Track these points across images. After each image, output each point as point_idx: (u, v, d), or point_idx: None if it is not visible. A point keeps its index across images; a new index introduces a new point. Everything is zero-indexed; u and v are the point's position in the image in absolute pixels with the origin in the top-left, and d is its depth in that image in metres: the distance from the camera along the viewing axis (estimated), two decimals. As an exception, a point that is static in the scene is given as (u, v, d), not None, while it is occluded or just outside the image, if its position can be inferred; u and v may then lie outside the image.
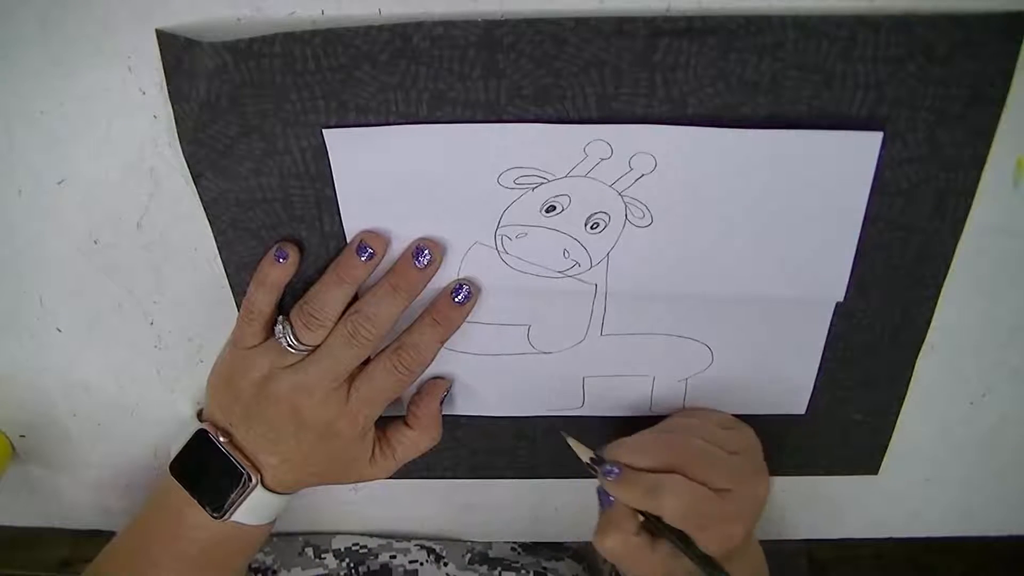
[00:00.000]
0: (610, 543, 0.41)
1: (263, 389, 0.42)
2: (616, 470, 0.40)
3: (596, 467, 0.41)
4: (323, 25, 0.35)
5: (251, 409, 0.42)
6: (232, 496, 0.43)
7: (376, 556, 0.55)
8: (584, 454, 0.42)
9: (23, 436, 0.52)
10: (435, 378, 0.46)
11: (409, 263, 0.40)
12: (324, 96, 0.36)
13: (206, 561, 0.44)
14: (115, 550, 0.46)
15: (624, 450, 0.41)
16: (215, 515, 0.43)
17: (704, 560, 0.39)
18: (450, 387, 0.46)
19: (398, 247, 0.41)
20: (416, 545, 0.56)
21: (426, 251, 0.40)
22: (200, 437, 0.43)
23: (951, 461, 0.51)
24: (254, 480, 0.43)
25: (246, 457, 0.43)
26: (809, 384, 0.46)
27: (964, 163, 0.38)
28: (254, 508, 0.43)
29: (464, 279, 0.42)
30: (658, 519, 0.40)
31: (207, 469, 0.43)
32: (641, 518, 0.40)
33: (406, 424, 0.46)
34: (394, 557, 0.55)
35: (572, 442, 0.43)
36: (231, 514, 0.43)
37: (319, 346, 0.41)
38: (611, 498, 0.41)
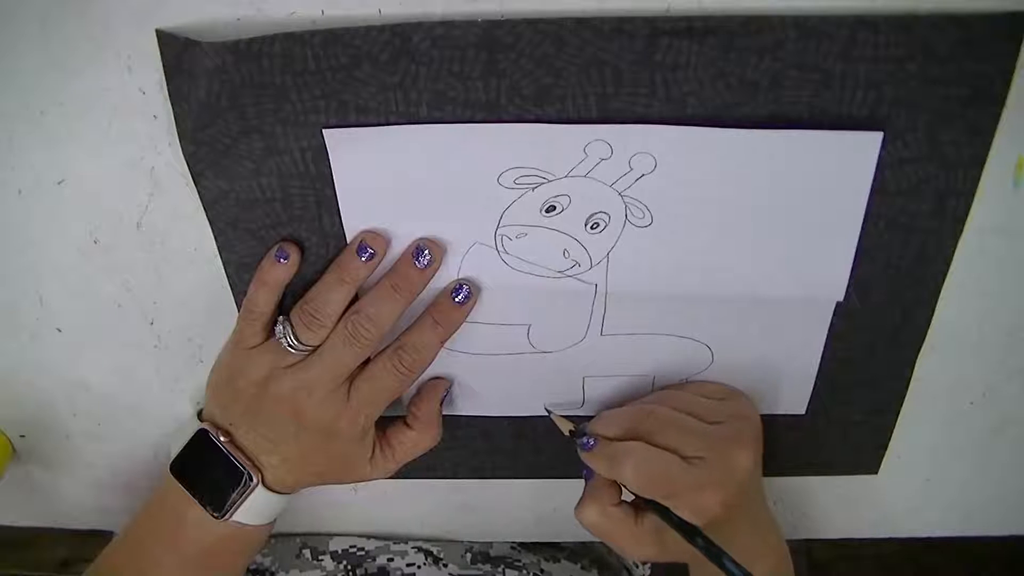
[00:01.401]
0: (589, 515, 0.42)
1: (264, 389, 0.42)
2: (591, 441, 0.41)
3: (574, 440, 0.42)
4: (323, 25, 0.35)
5: (252, 409, 0.42)
6: (232, 496, 0.43)
7: (374, 559, 0.55)
8: (564, 427, 0.44)
9: (23, 436, 0.52)
10: (435, 378, 0.46)
11: (409, 263, 0.40)
12: (324, 96, 0.36)
13: (207, 561, 0.44)
14: (116, 550, 0.46)
15: (597, 421, 0.43)
16: (215, 515, 0.43)
17: (684, 527, 0.39)
18: (450, 387, 0.46)
19: (398, 247, 0.41)
20: (414, 548, 0.56)
21: (426, 251, 0.40)
22: (200, 437, 0.43)
23: (951, 461, 0.51)
24: (255, 480, 0.43)
25: (247, 457, 0.43)
26: (809, 384, 0.46)
27: (964, 163, 0.38)
28: (254, 508, 0.43)
29: (464, 279, 0.42)
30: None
31: (208, 469, 0.43)
32: (624, 491, 0.41)
33: (406, 425, 0.46)
34: (391, 560, 0.55)
35: (555, 417, 0.44)
36: (231, 514, 0.43)
37: (320, 346, 0.41)
38: (587, 472, 0.42)
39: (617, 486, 0.42)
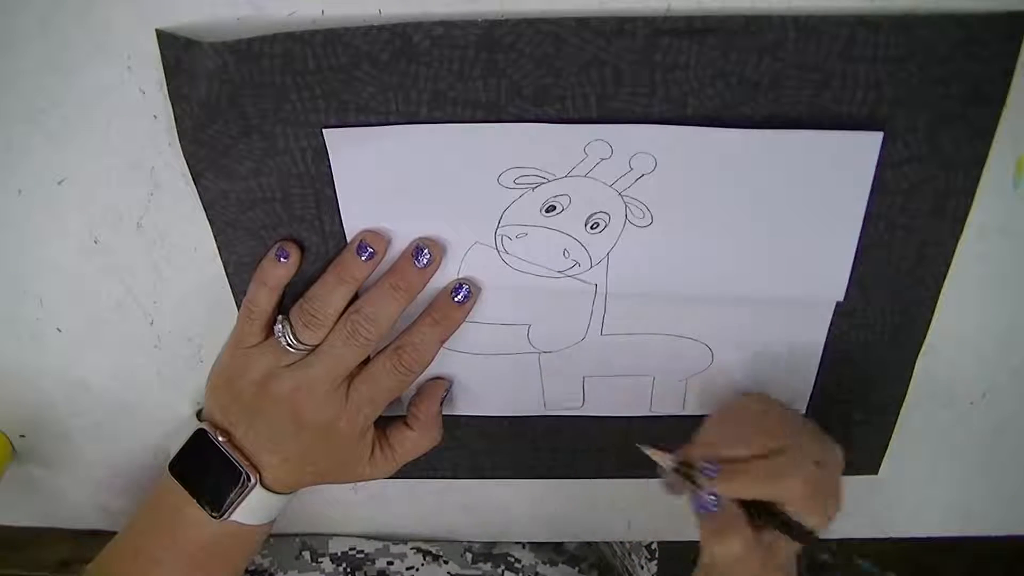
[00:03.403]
0: (735, 547, 0.37)
1: (263, 388, 0.42)
2: (716, 467, 0.38)
3: (690, 470, 0.38)
4: (323, 25, 0.35)
5: (251, 408, 0.42)
6: (231, 496, 0.43)
7: (373, 562, 0.55)
8: (668, 461, 0.40)
9: (23, 436, 0.52)
10: (435, 378, 0.46)
11: (409, 263, 0.40)
12: (324, 96, 0.36)
13: (206, 559, 0.44)
14: (115, 549, 0.46)
15: (716, 445, 0.39)
16: (214, 515, 0.43)
17: (810, 537, 0.37)
18: (450, 387, 0.46)
19: (398, 247, 0.41)
20: (412, 549, 0.56)
21: (426, 251, 0.40)
22: (199, 436, 0.43)
23: (951, 461, 0.51)
24: (253, 480, 0.43)
25: (245, 457, 0.43)
26: (809, 384, 0.46)
27: (964, 163, 0.38)
28: (253, 508, 0.43)
29: (464, 279, 0.42)
30: (766, 507, 0.37)
31: (206, 468, 0.43)
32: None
33: (406, 425, 0.46)
34: (391, 563, 0.55)
35: (651, 451, 0.40)
36: (230, 514, 0.43)
37: (319, 346, 0.41)
38: (714, 502, 0.38)
39: (744, 513, 0.38)
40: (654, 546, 0.68)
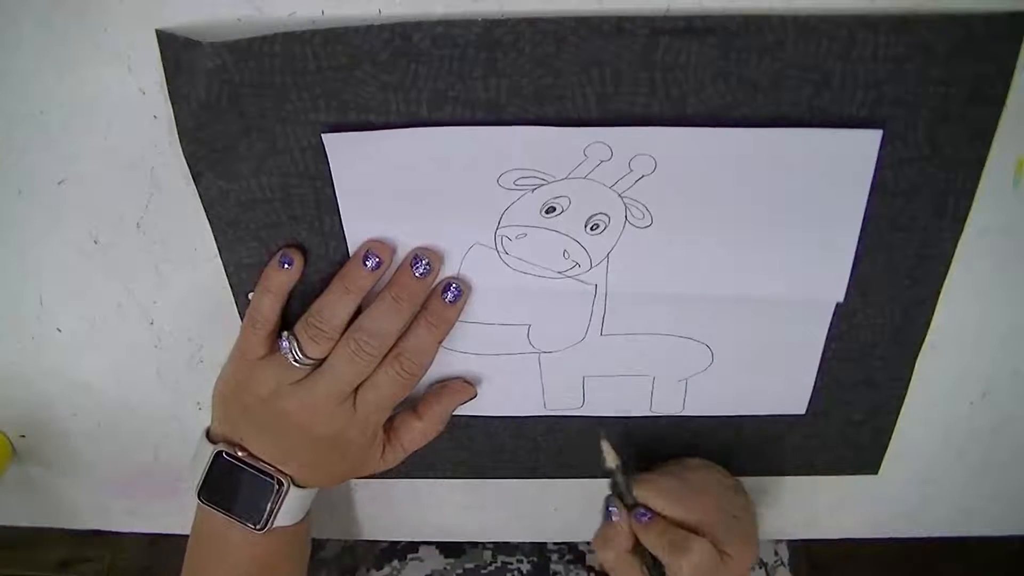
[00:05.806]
0: (607, 556, 0.44)
1: (272, 406, 0.41)
2: (647, 515, 0.43)
3: (620, 489, 0.44)
4: (323, 25, 0.35)
5: (260, 422, 0.42)
6: (268, 505, 0.43)
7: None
8: (612, 462, 0.45)
9: (23, 436, 0.52)
10: (463, 382, 0.46)
11: (408, 273, 0.40)
12: (324, 96, 0.36)
13: (261, 573, 0.45)
14: None
15: (658, 498, 0.44)
16: (258, 528, 0.43)
17: None
18: (473, 398, 0.46)
19: (398, 250, 0.41)
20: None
21: (424, 260, 0.40)
22: (219, 458, 0.43)
23: (951, 461, 0.51)
24: (285, 483, 0.43)
25: (269, 464, 0.43)
26: (809, 384, 0.46)
27: (964, 163, 0.38)
28: (290, 508, 0.44)
29: (453, 277, 0.41)
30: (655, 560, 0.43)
31: (237, 487, 0.43)
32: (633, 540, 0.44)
33: (415, 415, 0.45)
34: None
35: (607, 448, 0.45)
36: (272, 522, 0.43)
37: (325, 360, 0.41)
38: (614, 513, 0.44)
39: (632, 535, 0.43)
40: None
